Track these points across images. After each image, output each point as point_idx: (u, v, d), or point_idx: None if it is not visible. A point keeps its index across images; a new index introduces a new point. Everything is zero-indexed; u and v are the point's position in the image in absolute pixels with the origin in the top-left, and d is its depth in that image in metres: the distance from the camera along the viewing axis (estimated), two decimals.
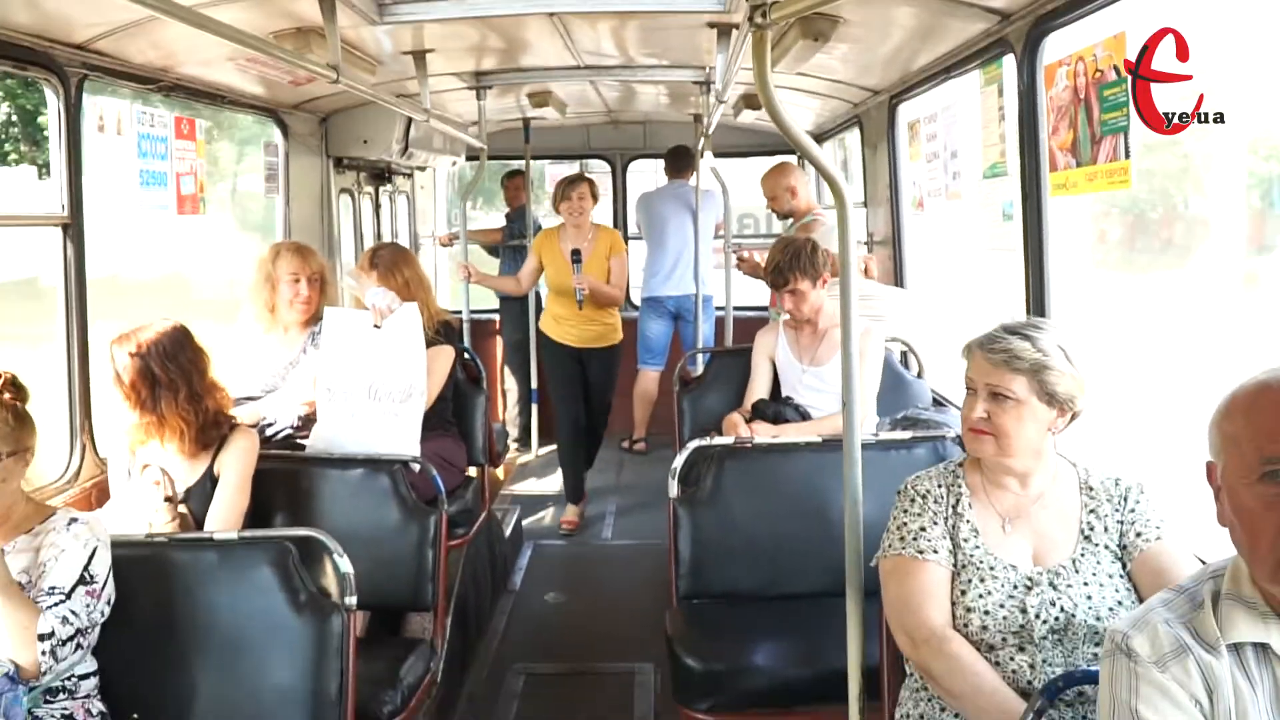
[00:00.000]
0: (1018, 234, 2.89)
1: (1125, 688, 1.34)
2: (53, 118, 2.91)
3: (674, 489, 2.95)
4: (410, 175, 6.70)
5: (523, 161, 6.72)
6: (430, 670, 2.81)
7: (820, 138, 5.85)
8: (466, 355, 3.90)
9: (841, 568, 2.09)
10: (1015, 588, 1.87)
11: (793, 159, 5.26)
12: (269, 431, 3.28)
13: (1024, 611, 1.84)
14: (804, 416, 3.40)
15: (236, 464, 2.65)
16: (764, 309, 5.30)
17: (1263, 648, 1.34)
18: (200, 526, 2.60)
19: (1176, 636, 1.35)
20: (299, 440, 3.23)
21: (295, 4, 2.86)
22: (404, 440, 3.12)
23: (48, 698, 2.02)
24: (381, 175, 6.04)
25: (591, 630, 4.01)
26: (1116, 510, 1.91)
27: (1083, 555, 1.89)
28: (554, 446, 5.58)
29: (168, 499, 2.57)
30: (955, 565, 1.91)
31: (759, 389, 3.53)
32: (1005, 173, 3.05)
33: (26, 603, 1.94)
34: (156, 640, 2.19)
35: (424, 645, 2.84)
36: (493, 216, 10.11)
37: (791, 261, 3.37)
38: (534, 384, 6.45)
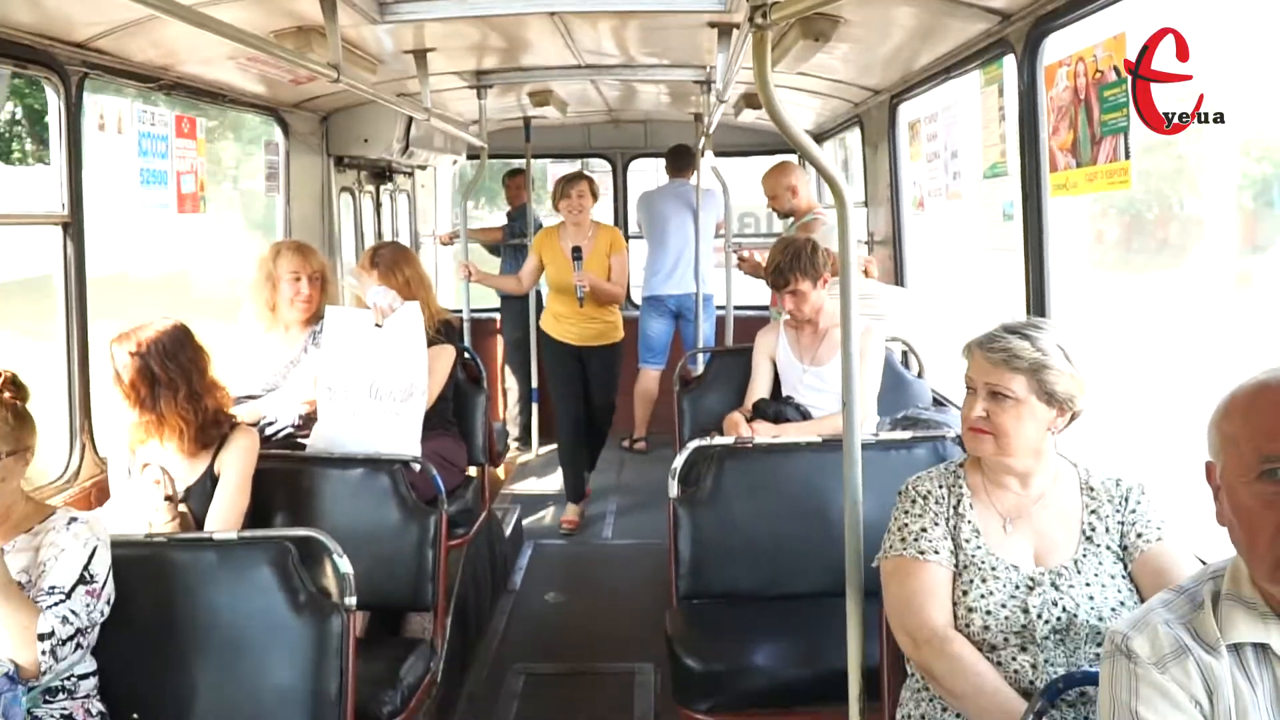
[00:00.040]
0: (1018, 234, 2.89)
1: (1125, 689, 1.35)
2: (53, 116, 2.91)
3: (674, 489, 2.95)
4: (411, 174, 6.70)
5: (524, 160, 6.73)
6: (430, 670, 2.81)
7: (821, 137, 5.85)
8: (466, 355, 3.90)
9: (841, 568, 2.09)
10: (1017, 588, 1.87)
11: (793, 158, 5.25)
12: (270, 431, 3.28)
13: (1026, 612, 1.84)
14: (805, 416, 3.39)
15: (237, 463, 2.65)
16: (765, 308, 5.30)
17: (1263, 648, 1.34)
18: (200, 526, 2.60)
19: (1176, 637, 1.35)
20: (300, 439, 3.23)
21: (296, 3, 2.86)
22: (405, 440, 3.12)
23: (47, 698, 2.02)
24: (382, 174, 6.04)
25: (592, 630, 4.01)
26: (1117, 511, 1.91)
27: (1084, 555, 1.89)
28: (554, 446, 5.58)
29: (168, 498, 2.57)
30: (957, 566, 1.91)
31: (760, 388, 3.52)
32: (1005, 173, 3.05)
33: (26, 602, 1.94)
34: (156, 640, 2.19)
35: (424, 645, 2.84)
36: (495, 216, 10.12)
37: (792, 262, 3.36)
38: (534, 383, 6.45)
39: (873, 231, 4.92)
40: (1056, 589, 1.85)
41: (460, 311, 5.37)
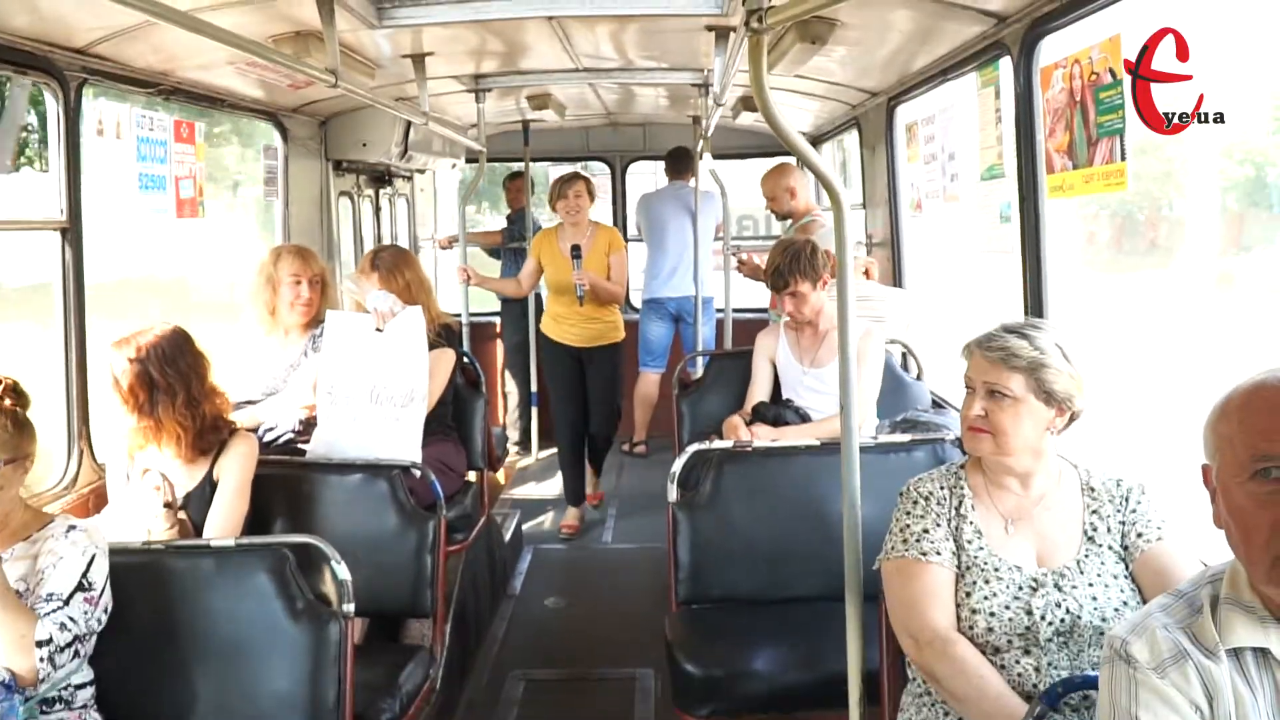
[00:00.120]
0: (1015, 235, 2.89)
1: (1125, 694, 1.34)
2: (52, 122, 2.91)
3: (673, 493, 2.94)
4: (410, 178, 6.70)
5: (523, 164, 6.73)
6: (429, 677, 2.81)
7: (819, 139, 5.86)
8: (465, 359, 3.89)
9: (841, 571, 2.08)
10: (1020, 589, 1.86)
11: (792, 160, 5.26)
12: (269, 436, 3.28)
13: (1029, 613, 1.83)
14: (804, 419, 3.39)
15: (236, 469, 2.64)
16: (764, 311, 5.29)
17: (1262, 653, 1.33)
18: (199, 532, 2.59)
19: (1175, 642, 1.34)
20: (300, 445, 3.22)
21: (294, 8, 2.86)
22: (405, 445, 3.11)
23: (44, 708, 2.02)
24: (381, 178, 6.04)
25: (591, 635, 4.00)
26: (1118, 511, 1.91)
27: (1087, 556, 1.88)
28: (554, 450, 5.57)
29: (167, 504, 2.56)
30: (959, 567, 1.91)
31: (759, 391, 3.52)
32: (1003, 174, 3.05)
33: (24, 610, 1.93)
34: (154, 648, 2.18)
35: (423, 652, 2.84)
36: (496, 219, 10.12)
37: (791, 264, 3.36)
38: (534, 387, 6.44)
39: (871, 233, 4.91)
40: (1060, 590, 1.85)
41: (459, 315, 5.36)
